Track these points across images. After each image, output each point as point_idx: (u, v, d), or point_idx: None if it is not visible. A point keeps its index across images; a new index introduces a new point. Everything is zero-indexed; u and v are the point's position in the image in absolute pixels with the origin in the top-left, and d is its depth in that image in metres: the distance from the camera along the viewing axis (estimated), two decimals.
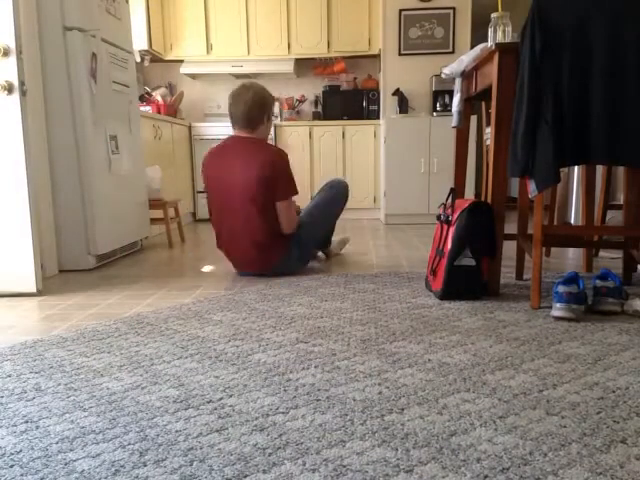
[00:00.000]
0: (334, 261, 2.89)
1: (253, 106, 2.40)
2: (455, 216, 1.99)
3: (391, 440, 1.01)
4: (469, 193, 4.23)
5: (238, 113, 2.41)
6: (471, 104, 2.67)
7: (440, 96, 4.43)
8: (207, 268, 2.78)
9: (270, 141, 2.30)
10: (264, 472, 0.92)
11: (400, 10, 4.42)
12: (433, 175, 4.37)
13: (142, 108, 4.16)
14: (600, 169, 2.71)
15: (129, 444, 1.02)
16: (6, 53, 2.12)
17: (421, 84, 4.54)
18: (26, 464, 0.96)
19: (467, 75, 2.44)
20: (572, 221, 3.31)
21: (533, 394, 1.20)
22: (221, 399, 1.21)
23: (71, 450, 1.00)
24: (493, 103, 1.98)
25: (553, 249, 3.11)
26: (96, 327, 1.78)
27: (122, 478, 0.91)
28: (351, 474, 0.91)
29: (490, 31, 2.17)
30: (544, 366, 1.36)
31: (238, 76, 5.20)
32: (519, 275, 2.35)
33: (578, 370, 1.34)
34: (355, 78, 5.06)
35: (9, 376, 1.38)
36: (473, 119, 4.03)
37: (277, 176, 2.37)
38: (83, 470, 0.94)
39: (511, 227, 3.79)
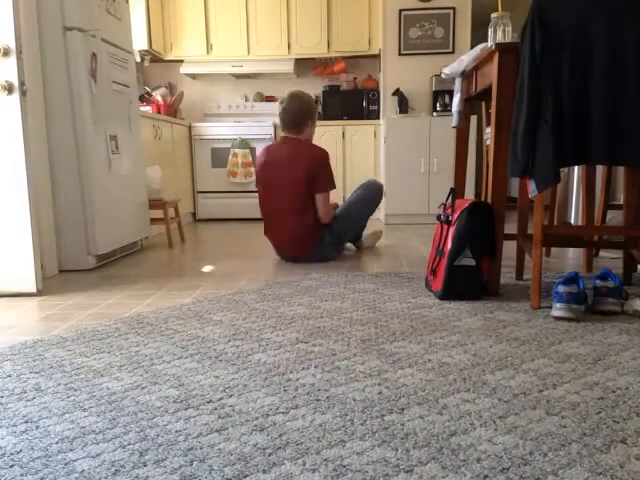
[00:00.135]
0: (365, 252, 3.20)
1: (299, 113, 2.82)
2: (455, 216, 1.99)
3: (391, 440, 1.01)
4: (469, 193, 4.23)
5: (287, 119, 2.83)
6: (471, 104, 2.67)
7: (440, 96, 4.43)
8: (207, 268, 2.78)
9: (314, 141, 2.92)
10: (264, 472, 0.92)
11: (400, 10, 4.42)
12: (433, 175, 4.37)
13: (142, 108, 4.17)
14: (600, 169, 2.71)
15: (129, 444, 1.02)
16: (6, 53, 2.12)
17: (421, 84, 4.54)
18: (26, 464, 0.96)
19: (467, 75, 2.44)
20: (572, 221, 3.31)
21: (533, 394, 1.20)
22: (221, 399, 1.21)
23: (71, 450, 1.00)
24: (493, 103, 1.98)
25: (553, 249, 3.11)
26: (96, 327, 1.78)
27: (122, 478, 0.91)
28: (351, 474, 0.91)
29: (490, 31, 2.17)
30: (544, 366, 1.36)
31: (238, 76, 5.20)
32: (519, 275, 2.35)
33: (578, 370, 1.34)
34: (355, 78, 5.06)
35: (9, 376, 1.38)
36: (473, 119, 4.03)
37: (318, 171, 2.77)
38: (83, 470, 0.94)
39: (511, 227, 3.79)
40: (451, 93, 2.70)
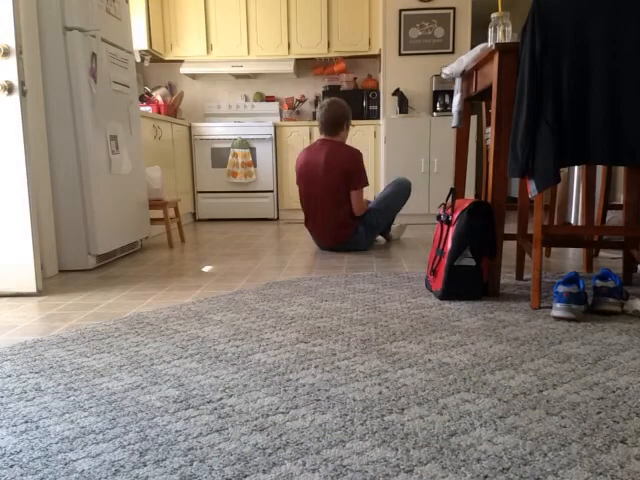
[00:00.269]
0: (393, 243, 3.49)
1: (336, 117, 3.12)
2: (455, 216, 1.99)
3: (391, 440, 1.01)
4: (469, 193, 4.23)
5: (324, 123, 3.14)
6: (471, 104, 2.67)
7: (440, 96, 4.43)
8: (207, 268, 2.78)
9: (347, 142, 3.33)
10: (264, 472, 0.92)
11: (400, 10, 4.42)
12: (433, 175, 4.37)
13: (142, 108, 4.17)
14: (600, 169, 2.71)
15: (129, 444, 1.02)
16: (6, 53, 2.12)
17: (421, 84, 4.54)
18: (26, 464, 0.96)
19: (467, 75, 2.44)
20: (572, 221, 3.31)
21: (533, 394, 1.20)
22: (221, 399, 1.21)
23: (71, 450, 1.01)
24: (493, 103, 1.98)
25: (553, 249, 3.11)
26: (96, 327, 1.78)
27: (122, 478, 0.91)
28: (351, 474, 0.91)
29: (490, 31, 2.18)
30: (544, 366, 1.36)
31: (238, 76, 5.20)
32: (519, 275, 2.35)
33: (578, 370, 1.34)
34: (355, 78, 5.06)
35: (9, 376, 1.38)
36: (473, 119, 4.03)
37: (353, 170, 3.06)
38: (83, 470, 0.94)
39: (511, 227, 3.79)
40: (451, 93, 2.70)
